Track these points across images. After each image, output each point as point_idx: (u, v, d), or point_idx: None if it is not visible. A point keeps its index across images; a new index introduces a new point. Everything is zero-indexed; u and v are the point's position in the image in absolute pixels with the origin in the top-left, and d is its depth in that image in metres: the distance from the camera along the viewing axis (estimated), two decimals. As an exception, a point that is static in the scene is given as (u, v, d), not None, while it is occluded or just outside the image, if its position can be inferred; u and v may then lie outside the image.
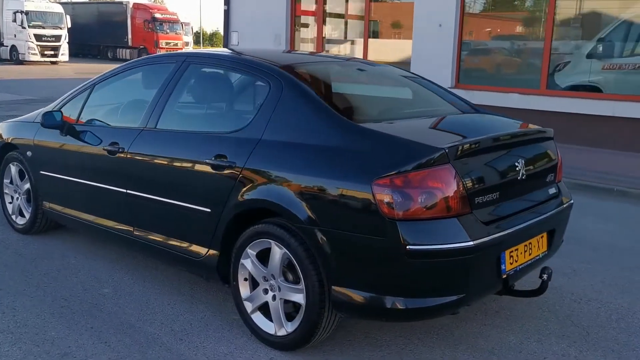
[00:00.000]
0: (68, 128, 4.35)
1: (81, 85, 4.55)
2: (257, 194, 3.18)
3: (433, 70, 9.49)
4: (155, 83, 4.02)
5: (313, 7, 11.99)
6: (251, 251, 3.27)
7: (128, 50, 36.47)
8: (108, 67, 5.48)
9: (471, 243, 2.74)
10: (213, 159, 3.38)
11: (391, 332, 3.43)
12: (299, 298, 3.07)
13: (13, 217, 5.08)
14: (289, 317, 3.17)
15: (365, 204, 2.78)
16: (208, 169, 3.40)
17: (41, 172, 4.64)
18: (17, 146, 4.88)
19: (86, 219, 4.33)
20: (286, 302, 3.17)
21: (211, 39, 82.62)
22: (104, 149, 4.03)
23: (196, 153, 3.51)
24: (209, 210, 3.43)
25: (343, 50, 12.07)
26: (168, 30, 35.98)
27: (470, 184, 2.87)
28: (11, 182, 5.07)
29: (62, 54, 30.71)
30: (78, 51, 37.11)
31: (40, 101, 13.58)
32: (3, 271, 4.21)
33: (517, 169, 3.17)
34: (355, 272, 2.87)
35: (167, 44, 35.65)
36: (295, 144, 3.12)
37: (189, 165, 3.54)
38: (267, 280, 3.23)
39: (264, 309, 3.29)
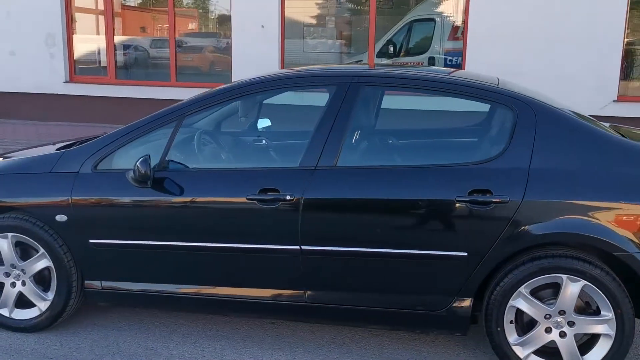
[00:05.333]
0: (155, 177, 3.20)
1: (150, 117, 3.34)
2: (548, 228, 2.95)
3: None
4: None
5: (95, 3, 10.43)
6: (525, 289, 3.02)
7: None
8: None
9: None
10: (467, 195, 2.97)
11: None
12: (603, 329, 2.99)
13: (3, 311, 3.49)
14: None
15: None
16: (460, 206, 2.98)
17: (92, 240, 3.30)
18: (26, 210, 3.36)
19: (204, 292, 3.28)
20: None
21: None
22: (249, 200, 3.12)
23: (431, 190, 3.02)
24: (464, 254, 3.02)
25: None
26: None
27: None
28: (-2, 263, 3.46)
29: None
30: None
31: None
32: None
33: None
34: None
35: None
36: (579, 170, 2.98)
37: (423, 205, 3.03)
38: (548, 318, 3.03)
39: (540, 351, 3.08)
